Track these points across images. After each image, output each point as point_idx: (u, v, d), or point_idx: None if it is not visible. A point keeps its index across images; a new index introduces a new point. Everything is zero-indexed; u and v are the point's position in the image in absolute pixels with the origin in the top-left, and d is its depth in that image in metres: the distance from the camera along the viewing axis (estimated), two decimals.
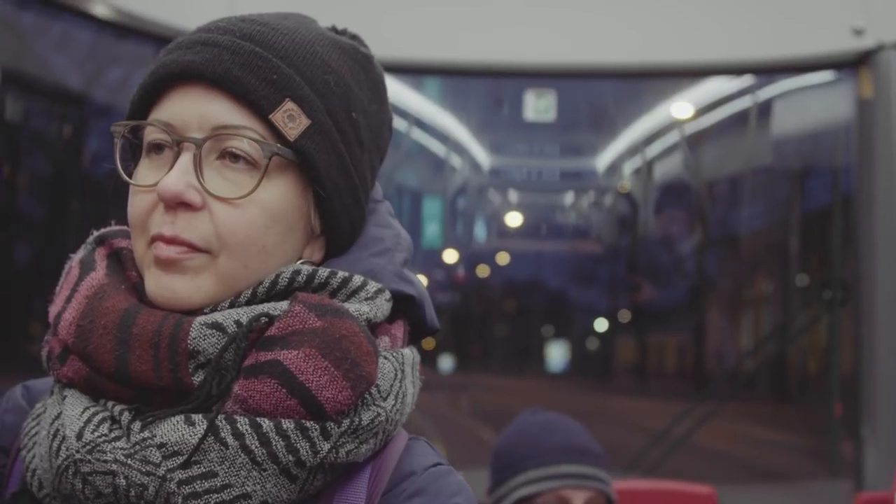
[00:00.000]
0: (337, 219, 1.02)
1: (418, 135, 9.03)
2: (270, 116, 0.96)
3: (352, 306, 0.97)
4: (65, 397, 0.95)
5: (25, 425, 1.01)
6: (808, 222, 9.66)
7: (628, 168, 10.25)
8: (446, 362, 14.42)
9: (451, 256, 12.70)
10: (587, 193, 11.74)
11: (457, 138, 9.74)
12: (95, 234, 1.05)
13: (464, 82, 8.33)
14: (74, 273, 1.00)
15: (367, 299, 0.99)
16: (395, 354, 1.00)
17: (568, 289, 14.96)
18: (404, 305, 1.05)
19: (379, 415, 0.95)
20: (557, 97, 4.76)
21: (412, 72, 4.91)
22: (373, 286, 1.00)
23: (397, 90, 6.45)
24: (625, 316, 14.46)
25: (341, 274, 0.99)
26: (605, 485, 2.15)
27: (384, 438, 0.98)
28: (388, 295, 1.01)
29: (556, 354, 15.67)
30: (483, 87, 8.91)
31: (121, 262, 1.01)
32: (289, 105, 0.97)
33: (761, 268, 12.09)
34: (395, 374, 0.99)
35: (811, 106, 6.11)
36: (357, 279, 0.99)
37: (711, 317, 13.24)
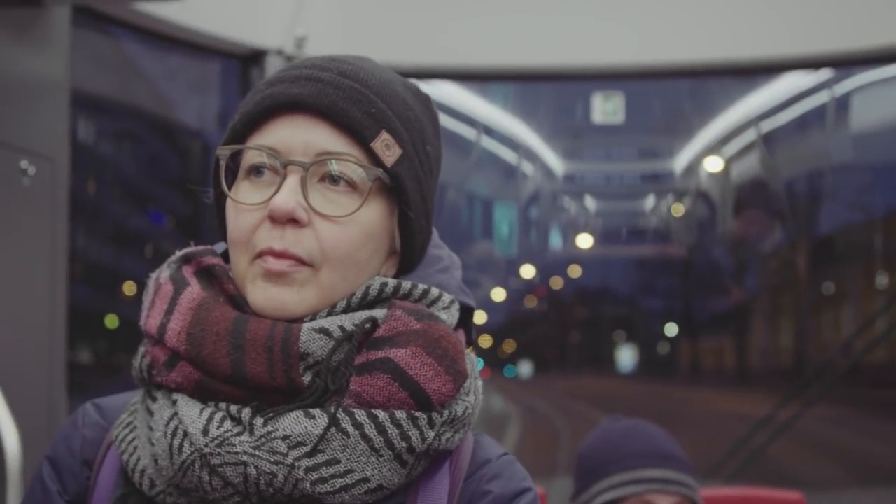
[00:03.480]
0: (415, 238, 1.14)
1: (488, 142, 9.01)
2: (371, 144, 1.07)
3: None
4: (175, 401, 1.04)
5: (117, 435, 1.11)
6: (891, 219, 9.44)
7: (705, 169, 10.10)
8: (525, 367, 14.96)
9: (528, 271, 12.84)
10: (665, 197, 11.60)
11: (527, 144, 9.70)
12: (179, 253, 1.14)
13: (531, 88, 8.33)
14: (168, 289, 1.09)
15: (444, 308, 1.11)
16: (468, 356, 1.11)
17: (639, 294, 14.96)
18: (463, 316, 1.16)
19: (468, 407, 1.08)
20: (626, 98, 4.70)
21: (478, 78, 4.91)
22: (447, 297, 1.12)
23: (465, 98, 6.44)
24: (699, 318, 14.38)
25: (421, 286, 1.11)
26: (690, 490, 2.12)
27: (467, 429, 1.10)
28: (458, 305, 1.14)
29: (626, 357, 15.91)
30: (551, 92, 8.88)
31: (214, 277, 1.10)
32: (385, 136, 1.08)
33: (843, 266, 11.83)
34: (472, 373, 1.11)
35: (891, 98, 5.95)
36: (434, 291, 1.11)
37: (789, 316, 13.03)
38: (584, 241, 12.17)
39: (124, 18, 3.27)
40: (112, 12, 3.21)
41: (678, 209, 11.33)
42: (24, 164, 2.62)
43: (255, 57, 3.75)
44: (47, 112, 2.77)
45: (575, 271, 13.82)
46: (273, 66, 3.71)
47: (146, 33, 3.44)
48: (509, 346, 16.38)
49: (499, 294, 13.23)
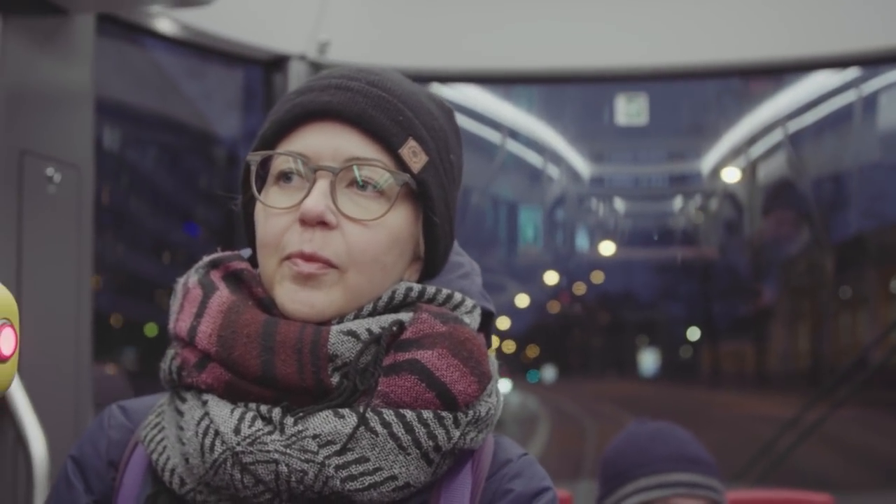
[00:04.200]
0: (438, 244, 1.17)
1: (513, 146, 8.99)
2: (399, 151, 1.11)
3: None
4: (205, 401, 1.07)
5: (145, 435, 1.14)
6: None
7: (731, 170, 10.03)
8: (549, 372, 15.06)
9: (551, 277, 12.84)
10: (692, 198, 11.53)
11: (553, 147, 9.68)
12: (206, 259, 1.18)
13: (556, 91, 8.31)
14: (197, 293, 1.12)
15: (466, 313, 1.14)
16: (491, 359, 1.14)
17: (662, 298, 14.95)
18: (484, 321, 1.19)
19: (491, 408, 1.11)
20: (650, 100, 4.67)
21: (502, 81, 4.90)
22: (469, 302, 1.16)
23: (489, 101, 6.43)
24: (722, 321, 14.35)
25: (445, 291, 1.14)
26: (716, 494, 2.11)
27: (490, 429, 1.13)
28: (479, 310, 1.17)
29: (649, 361, 15.93)
30: (576, 95, 8.86)
31: (243, 282, 1.14)
32: (412, 143, 1.12)
33: (870, 267, 11.73)
34: (495, 375, 1.14)
35: None
36: (458, 296, 1.15)
37: (814, 319, 12.95)
38: (607, 248, 12.15)
39: (147, 26, 3.28)
40: (135, 20, 3.23)
41: (704, 211, 11.26)
42: (49, 171, 2.64)
43: (277, 62, 3.76)
44: (72, 120, 2.79)
45: (598, 276, 13.81)
46: (296, 72, 3.71)
47: (168, 40, 3.46)
48: (532, 351, 16.41)
49: (523, 300, 13.24)
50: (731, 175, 9.89)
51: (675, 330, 15.64)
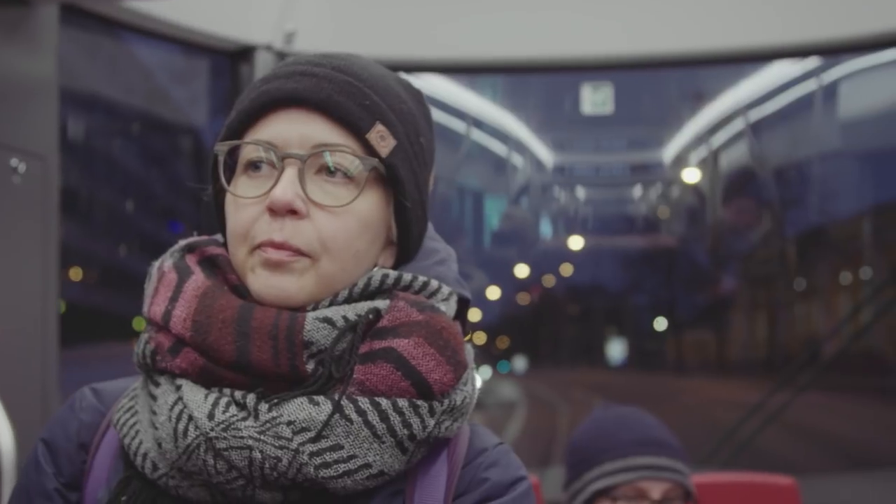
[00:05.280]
0: (411, 228, 1.16)
1: (478, 135, 9.01)
2: (367, 136, 1.10)
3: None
4: (179, 386, 1.06)
5: (118, 419, 1.12)
6: (882, 209, 9.48)
7: (693, 159, 10.11)
8: (519, 362, 15.17)
9: (522, 270, 12.91)
10: (653, 186, 11.61)
11: (517, 136, 9.70)
12: (182, 243, 1.17)
13: (520, 80, 8.33)
14: (172, 277, 1.11)
15: (443, 300, 1.13)
16: (467, 348, 1.13)
17: (630, 288, 15.07)
18: (459, 308, 1.18)
19: (467, 396, 1.11)
20: (615, 89, 4.69)
21: (466, 71, 4.91)
22: (446, 289, 1.15)
23: (454, 91, 6.44)
24: (689, 310, 14.50)
25: (421, 278, 1.13)
26: (682, 476, 2.13)
27: (465, 418, 1.12)
28: (456, 297, 1.16)
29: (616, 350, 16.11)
30: (540, 84, 8.88)
31: (218, 267, 1.13)
32: (379, 127, 1.11)
33: (834, 257, 11.89)
34: (470, 364, 1.13)
35: (881, 85, 5.96)
36: (434, 283, 1.14)
37: (781, 306, 13.11)
38: (576, 242, 12.21)
39: (112, 16, 3.26)
40: (100, 10, 3.20)
41: (667, 199, 11.35)
42: (13, 162, 2.62)
43: (244, 53, 3.74)
44: (37, 110, 2.77)
45: (567, 269, 13.89)
46: (262, 62, 3.70)
47: (134, 30, 3.43)
48: (503, 342, 16.48)
49: (493, 292, 13.29)
50: (691, 175, 10.00)
51: (641, 319, 15.75)
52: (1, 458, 2.35)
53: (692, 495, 2.14)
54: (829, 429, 10.43)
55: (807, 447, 9.56)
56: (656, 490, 2.09)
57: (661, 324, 15.67)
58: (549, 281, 14.44)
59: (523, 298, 14.67)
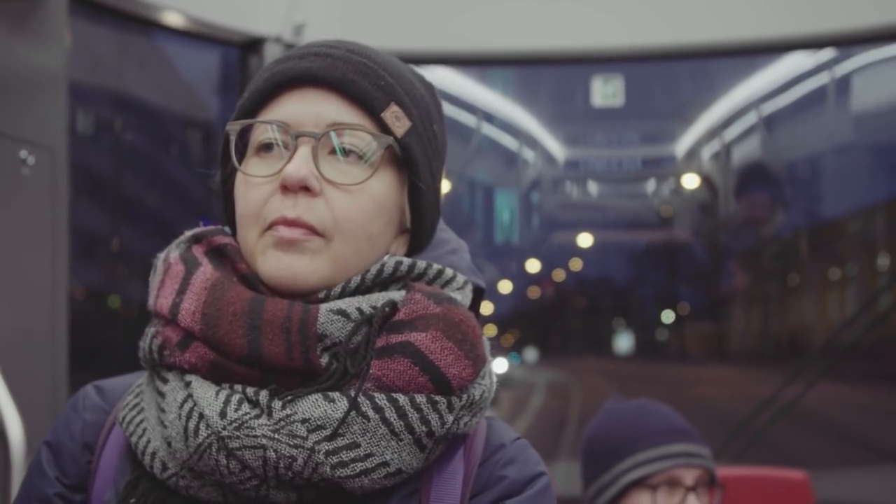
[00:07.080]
0: (425, 214, 1.14)
1: (488, 129, 9.00)
2: (382, 115, 1.08)
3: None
4: (188, 382, 1.02)
5: (123, 417, 1.09)
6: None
7: (706, 153, 10.08)
8: (530, 354, 15.49)
9: (533, 266, 12.94)
10: (666, 181, 11.58)
11: (528, 130, 9.68)
12: (188, 233, 1.13)
13: (531, 73, 8.31)
14: (179, 268, 1.07)
15: (458, 289, 1.11)
16: (483, 341, 1.10)
17: (639, 280, 15.09)
18: (474, 297, 1.15)
19: (485, 391, 1.07)
20: (626, 81, 4.67)
21: (477, 63, 4.90)
22: (461, 278, 1.12)
23: (465, 84, 6.43)
24: (698, 304, 14.53)
25: (436, 266, 1.10)
26: (711, 463, 2.14)
27: (484, 413, 1.10)
28: (471, 286, 1.13)
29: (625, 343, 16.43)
30: (551, 77, 8.85)
31: (226, 257, 1.10)
32: (394, 108, 1.09)
33: (844, 249, 11.85)
34: (487, 358, 1.10)
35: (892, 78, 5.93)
36: (448, 272, 1.11)
37: (796, 298, 13.10)
38: (585, 239, 12.22)
39: (121, 7, 3.26)
40: (109, 1, 3.20)
41: (679, 194, 11.32)
42: (23, 153, 2.62)
43: (253, 45, 3.74)
44: (46, 102, 2.77)
45: (577, 264, 13.90)
46: (271, 54, 3.70)
47: (143, 23, 3.43)
48: (513, 334, 16.57)
49: (505, 286, 13.32)
50: (690, 182, 10.00)
51: (649, 312, 15.80)
52: (11, 449, 2.35)
53: (717, 481, 2.14)
54: (842, 420, 10.41)
55: (820, 439, 9.53)
56: (689, 477, 2.10)
57: (668, 316, 15.73)
58: (558, 274, 14.48)
59: (534, 292, 14.70)
